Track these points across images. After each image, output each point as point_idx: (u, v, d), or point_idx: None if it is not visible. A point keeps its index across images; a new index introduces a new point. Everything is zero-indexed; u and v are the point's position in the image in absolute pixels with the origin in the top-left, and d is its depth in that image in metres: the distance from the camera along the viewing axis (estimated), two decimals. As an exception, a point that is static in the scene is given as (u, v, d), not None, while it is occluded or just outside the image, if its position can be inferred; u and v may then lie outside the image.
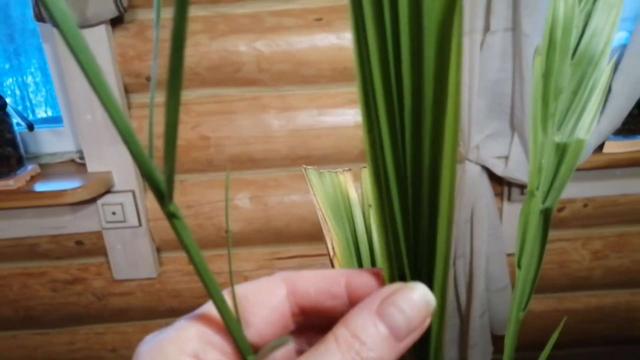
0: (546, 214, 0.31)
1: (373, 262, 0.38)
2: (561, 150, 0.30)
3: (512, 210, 1.08)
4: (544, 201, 0.31)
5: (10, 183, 1.00)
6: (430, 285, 0.21)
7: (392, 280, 0.22)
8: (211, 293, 0.20)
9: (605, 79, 0.30)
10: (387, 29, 0.19)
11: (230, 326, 0.20)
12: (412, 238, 0.21)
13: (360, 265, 0.38)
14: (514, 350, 0.32)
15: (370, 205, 0.39)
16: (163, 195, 0.17)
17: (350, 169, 0.41)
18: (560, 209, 1.10)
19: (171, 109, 0.14)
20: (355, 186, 0.40)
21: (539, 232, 0.31)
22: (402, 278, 0.22)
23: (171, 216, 0.18)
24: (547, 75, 0.30)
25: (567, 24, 0.29)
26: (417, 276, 0.21)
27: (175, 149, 0.15)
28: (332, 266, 0.36)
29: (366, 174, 0.40)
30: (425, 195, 0.19)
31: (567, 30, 0.29)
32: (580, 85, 0.30)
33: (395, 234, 0.21)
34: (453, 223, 0.20)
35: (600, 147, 1.01)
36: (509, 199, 1.07)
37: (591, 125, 0.30)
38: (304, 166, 0.39)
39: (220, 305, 0.20)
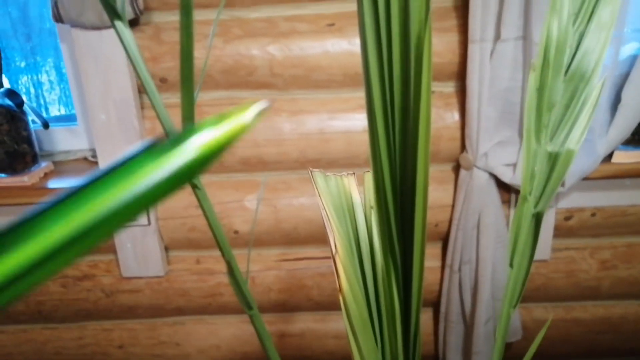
0: (537, 218, 0.32)
1: (373, 260, 0.39)
2: (553, 159, 0.32)
3: (520, 218, 1.08)
4: (535, 206, 0.32)
5: (25, 179, 1.02)
6: (410, 257, 0.23)
7: (385, 254, 0.24)
8: (223, 249, 0.22)
9: (596, 95, 0.32)
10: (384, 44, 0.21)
11: (238, 280, 0.22)
12: (400, 220, 0.23)
13: (360, 262, 0.39)
14: (504, 344, 0.33)
15: (372, 207, 0.41)
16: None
17: (354, 173, 0.42)
18: (569, 218, 1.10)
19: (186, 104, 0.16)
20: (359, 189, 0.42)
21: (530, 234, 0.32)
22: (393, 251, 0.24)
23: None
24: (541, 89, 0.31)
25: (561, 43, 0.31)
26: (404, 249, 0.23)
27: (194, 106, 0.16)
28: (335, 264, 0.37)
29: (369, 178, 0.42)
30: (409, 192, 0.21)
31: (561, 49, 0.31)
32: (572, 100, 0.32)
33: (389, 224, 0.23)
34: (427, 206, 0.21)
35: (609, 157, 1.01)
36: (516, 206, 1.08)
37: (581, 137, 0.31)
38: (311, 169, 0.41)
39: (230, 260, 0.22)
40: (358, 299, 0.35)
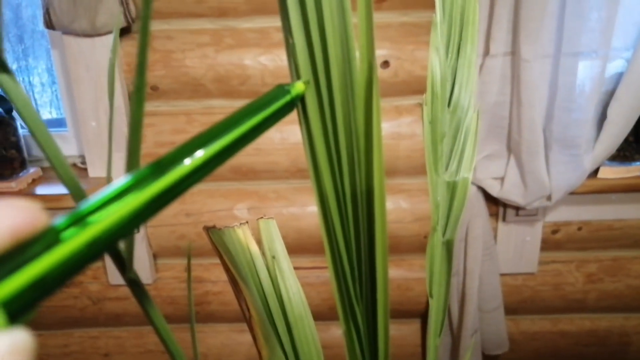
0: (447, 246, 0.33)
1: (285, 317, 0.38)
2: (451, 188, 0.33)
3: (507, 231, 1.09)
4: (444, 234, 0.33)
5: (12, 185, 1.01)
6: (373, 297, 0.22)
7: (346, 318, 0.24)
8: (165, 343, 0.21)
9: (474, 125, 0.33)
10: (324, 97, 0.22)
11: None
12: (355, 263, 0.23)
13: (272, 323, 0.38)
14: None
15: (273, 257, 0.39)
16: (124, 263, 0.19)
17: (247, 222, 0.40)
18: (556, 231, 1.11)
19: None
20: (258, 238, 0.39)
21: (444, 263, 0.33)
22: (348, 294, 0.23)
23: (132, 282, 0.19)
24: (433, 122, 0.32)
25: (443, 78, 0.32)
26: (361, 292, 0.23)
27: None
28: (251, 329, 0.35)
29: (264, 225, 0.40)
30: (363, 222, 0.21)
31: (443, 83, 0.32)
32: (458, 130, 0.33)
33: (341, 262, 0.23)
34: (387, 245, 0.21)
35: (595, 172, 1.02)
36: (504, 219, 1.08)
37: (471, 165, 0.32)
38: (205, 227, 0.38)
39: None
40: None
